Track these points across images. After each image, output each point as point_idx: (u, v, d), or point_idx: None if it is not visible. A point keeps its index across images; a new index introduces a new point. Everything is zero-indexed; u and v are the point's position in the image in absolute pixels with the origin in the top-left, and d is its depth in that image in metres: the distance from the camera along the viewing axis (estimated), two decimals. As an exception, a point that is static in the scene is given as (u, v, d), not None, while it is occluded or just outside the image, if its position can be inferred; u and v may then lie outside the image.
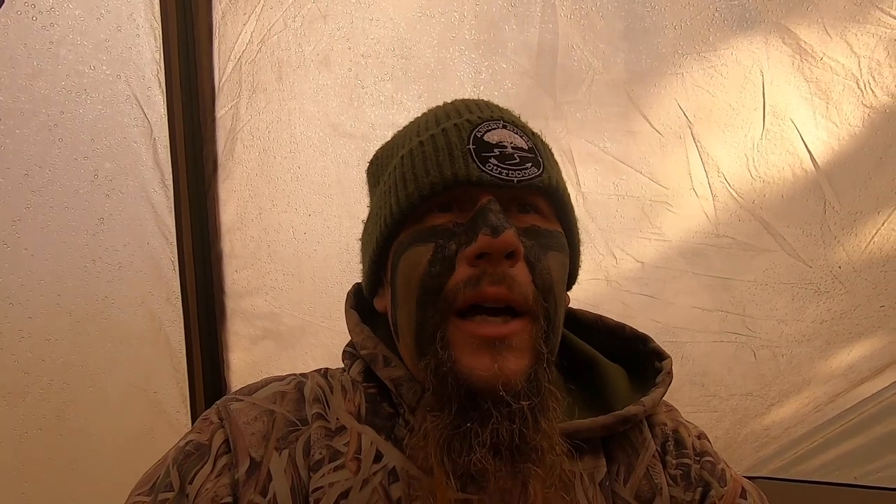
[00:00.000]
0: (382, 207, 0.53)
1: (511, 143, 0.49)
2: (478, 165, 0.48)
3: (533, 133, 0.54)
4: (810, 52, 0.91)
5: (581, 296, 1.19)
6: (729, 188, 1.06)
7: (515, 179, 0.48)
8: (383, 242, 0.53)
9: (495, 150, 0.48)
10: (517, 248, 0.46)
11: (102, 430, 1.12)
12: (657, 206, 1.13)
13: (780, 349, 1.10)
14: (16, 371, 1.05)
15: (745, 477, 0.59)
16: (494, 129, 0.50)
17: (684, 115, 1.04)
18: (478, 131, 0.49)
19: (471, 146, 0.48)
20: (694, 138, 1.06)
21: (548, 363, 0.48)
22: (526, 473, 0.45)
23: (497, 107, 0.56)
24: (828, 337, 1.06)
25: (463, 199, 0.49)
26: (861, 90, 0.91)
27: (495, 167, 0.48)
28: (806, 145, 0.94)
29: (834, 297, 1.03)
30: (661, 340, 1.16)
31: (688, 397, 1.19)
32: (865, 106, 0.91)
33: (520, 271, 0.47)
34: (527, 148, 0.50)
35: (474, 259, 0.46)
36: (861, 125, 0.92)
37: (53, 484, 1.08)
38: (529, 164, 0.49)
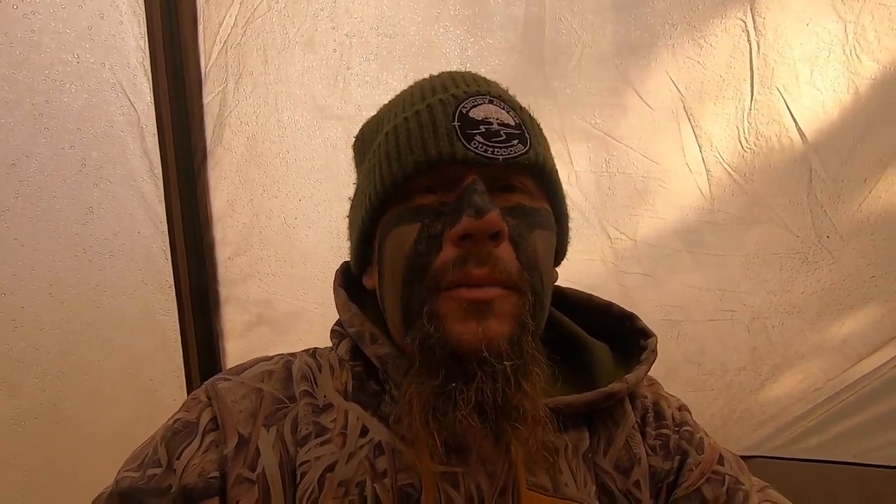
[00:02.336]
0: (368, 186, 0.52)
1: (497, 119, 0.49)
2: (463, 143, 0.47)
3: (521, 108, 0.53)
4: (795, 17, 0.88)
5: (575, 276, 1.18)
6: (721, 162, 1.04)
7: (501, 157, 0.47)
8: (369, 221, 0.52)
9: (481, 126, 0.48)
10: (501, 229, 0.46)
11: (98, 418, 1.13)
12: (650, 182, 1.11)
13: (771, 321, 1.09)
14: (10, 361, 1.06)
15: (742, 456, 0.59)
16: (480, 104, 0.49)
17: (676, 87, 1.02)
18: (463, 107, 0.49)
19: (456, 123, 0.48)
20: (686, 112, 1.04)
21: (533, 335, 0.48)
22: (509, 433, 0.46)
23: (484, 80, 0.55)
24: (819, 308, 1.05)
25: (448, 177, 0.48)
26: (847, 56, 0.89)
27: (480, 145, 0.47)
28: (791, 114, 0.92)
29: (822, 267, 1.02)
30: (657, 319, 1.15)
31: (684, 376, 1.18)
32: (851, 72, 0.89)
33: (504, 251, 0.47)
34: (513, 124, 0.49)
35: (458, 240, 0.46)
36: (846, 92, 0.91)
37: (50, 472, 1.09)
38: (516, 141, 0.48)
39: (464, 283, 0.46)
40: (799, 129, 0.95)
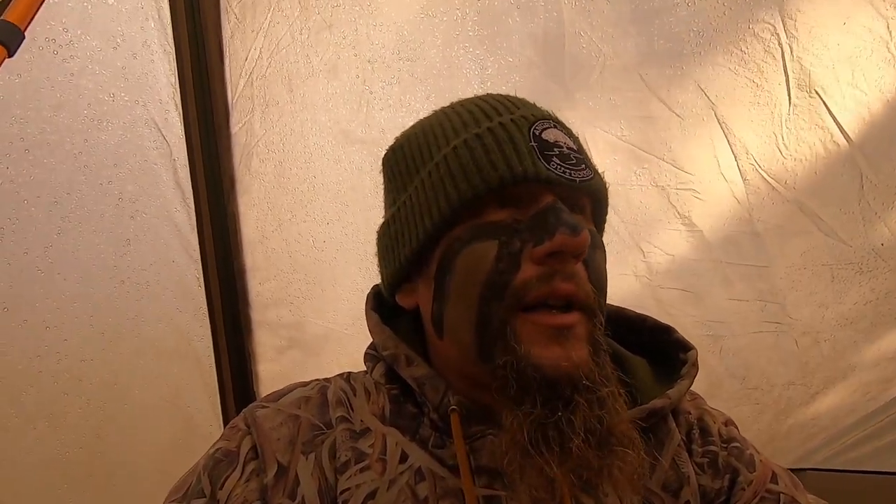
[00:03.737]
0: (432, 199, 0.50)
1: (565, 143, 0.50)
2: (544, 164, 0.48)
3: (573, 133, 0.54)
4: (830, 18, 0.85)
5: (609, 292, 1.15)
6: (759, 170, 1.00)
7: (578, 180, 0.49)
8: (434, 234, 0.50)
9: (554, 148, 0.49)
10: (588, 249, 0.47)
11: (139, 446, 1.16)
12: (683, 193, 1.08)
13: (823, 334, 1.04)
14: (56, 392, 1.09)
15: (792, 469, 0.56)
16: (549, 127, 0.50)
17: (705, 95, 0.99)
18: (535, 129, 0.50)
19: (533, 143, 0.49)
20: (718, 119, 1.01)
21: (605, 354, 0.49)
22: (619, 458, 0.45)
23: (535, 104, 0.55)
24: (873, 318, 0.99)
25: (524, 196, 0.49)
26: (892, 54, 0.84)
27: (559, 166, 0.48)
28: (834, 117, 0.88)
29: (877, 276, 0.96)
30: (698, 335, 1.11)
31: (728, 392, 1.13)
32: (897, 70, 0.85)
33: (581, 270, 0.48)
34: (576, 148, 0.51)
35: (545, 257, 0.46)
36: (893, 91, 0.86)
37: (95, 500, 1.11)
38: (583, 166, 0.50)
39: (549, 299, 0.46)
40: (844, 132, 0.90)
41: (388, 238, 0.56)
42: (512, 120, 0.50)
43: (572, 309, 0.47)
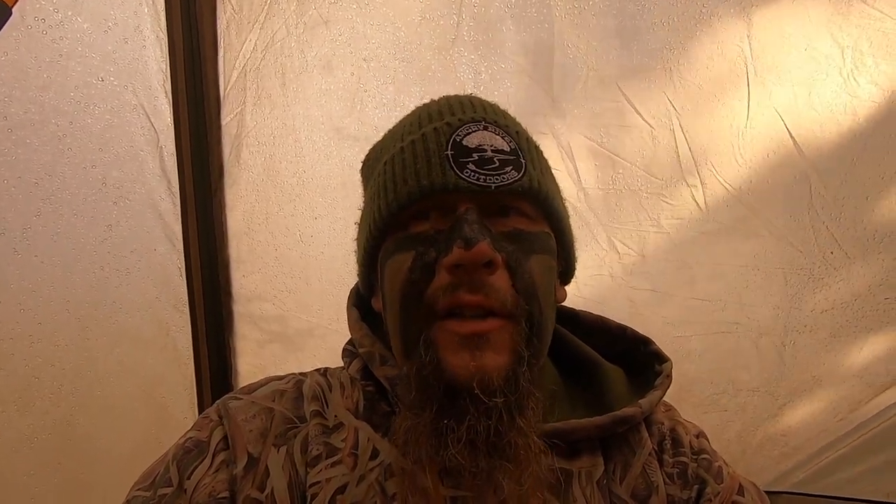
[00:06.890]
0: (369, 214, 0.54)
1: (491, 145, 0.49)
2: (455, 172, 0.48)
3: (517, 132, 0.53)
4: (793, 43, 0.94)
5: (586, 292, 1.21)
6: (716, 175, 1.08)
7: (493, 186, 0.48)
8: (371, 248, 0.53)
9: (474, 154, 0.48)
10: (493, 259, 0.46)
11: (111, 435, 1.12)
12: (653, 198, 1.16)
13: (781, 338, 1.11)
14: (26, 377, 1.05)
15: (767, 492, 0.59)
16: (474, 131, 0.50)
17: (672, 106, 1.08)
18: (457, 135, 0.49)
19: (449, 152, 0.49)
20: (682, 129, 1.10)
21: (528, 365, 0.47)
22: (500, 469, 0.45)
23: (482, 105, 0.55)
24: (832, 329, 1.05)
25: (442, 205, 0.49)
26: (844, 80, 0.94)
27: (473, 173, 0.48)
28: (789, 132, 0.97)
29: (831, 284, 1.03)
30: (666, 335, 1.17)
31: (697, 396, 1.18)
32: (849, 95, 0.94)
33: (499, 278, 0.47)
34: (508, 150, 0.50)
35: (452, 268, 0.47)
36: (844, 113, 0.95)
37: (62, 489, 1.07)
38: (510, 168, 0.49)
39: (456, 310, 0.47)
40: (798, 147, 0.99)
41: (356, 244, 0.59)
42: (435, 129, 0.50)
43: (490, 316, 0.46)
